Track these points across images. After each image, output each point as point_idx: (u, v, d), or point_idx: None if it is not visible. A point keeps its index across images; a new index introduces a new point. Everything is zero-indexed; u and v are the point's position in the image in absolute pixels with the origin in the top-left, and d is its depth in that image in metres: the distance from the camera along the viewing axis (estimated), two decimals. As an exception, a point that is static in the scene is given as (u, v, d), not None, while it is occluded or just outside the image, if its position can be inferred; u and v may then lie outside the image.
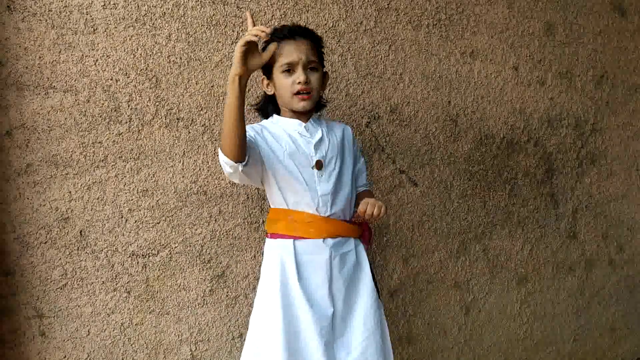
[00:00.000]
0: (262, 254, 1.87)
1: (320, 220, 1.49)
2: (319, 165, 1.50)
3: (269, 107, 1.61)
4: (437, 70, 2.10)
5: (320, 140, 1.53)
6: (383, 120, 2.02)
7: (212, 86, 1.80)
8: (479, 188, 2.20)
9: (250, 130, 1.48)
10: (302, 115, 1.55)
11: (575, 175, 2.39)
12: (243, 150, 1.36)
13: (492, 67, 2.19)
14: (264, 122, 1.59)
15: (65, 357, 1.71)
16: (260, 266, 1.59)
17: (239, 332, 1.87)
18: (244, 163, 1.38)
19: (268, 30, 1.32)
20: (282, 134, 1.52)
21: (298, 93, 1.47)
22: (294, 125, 1.54)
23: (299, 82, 1.46)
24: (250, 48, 1.34)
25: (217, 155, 1.80)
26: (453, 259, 2.17)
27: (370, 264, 1.60)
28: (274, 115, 1.59)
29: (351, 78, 1.97)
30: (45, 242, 1.67)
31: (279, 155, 1.49)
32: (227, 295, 1.85)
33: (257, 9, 1.84)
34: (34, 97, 1.64)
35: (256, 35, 1.31)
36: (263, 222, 1.87)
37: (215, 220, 1.82)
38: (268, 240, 1.56)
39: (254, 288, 1.87)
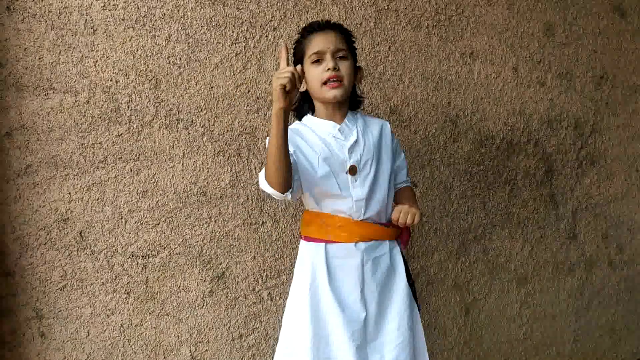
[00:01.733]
0: (263, 255, 1.88)
1: (352, 224, 1.47)
2: (352, 170, 1.46)
3: (304, 106, 1.56)
4: (437, 71, 2.10)
5: (355, 142, 1.48)
6: (383, 121, 2.02)
7: (211, 87, 1.80)
8: (479, 189, 2.20)
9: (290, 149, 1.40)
10: (337, 112, 1.50)
11: (575, 176, 2.39)
12: (289, 181, 1.36)
13: (491, 68, 2.19)
14: (297, 126, 1.53)
15: (64, 358, 1.71)
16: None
17: (238, 333, 1.87)
18: (290, 191, 1.38)
19: (299, 70, 1.29)
20: (315, 140, 1.48)
21: (327, 82, 1.43)
22: (329, 128, 1.49)
23: (328, 69, 1.42)
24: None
25: (217, 156, 1.80)
26: (453, 259, 2.17)
27: (406, 266, 1.57)
28: (308, 116, 1.54)
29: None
30: (45, 243, 1.67)
31: (314, 163, 1.45)
32: (226, 297, 1.85)
33: (257, 10, 1.84)
34: (33, 98, 1.64)
35: (292, 76, 1.27)
36: (263, 223, 1.87)
37: (215, 222, 1.82)
38: (302, 243, 1.55)
39: (254, 289, 1.87)
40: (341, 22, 1.93)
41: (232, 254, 1.84)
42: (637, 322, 2.60)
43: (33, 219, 1.66)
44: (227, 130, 1.82)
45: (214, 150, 1.81)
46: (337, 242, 1.47)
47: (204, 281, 1.82)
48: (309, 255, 1.49)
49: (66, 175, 1.68)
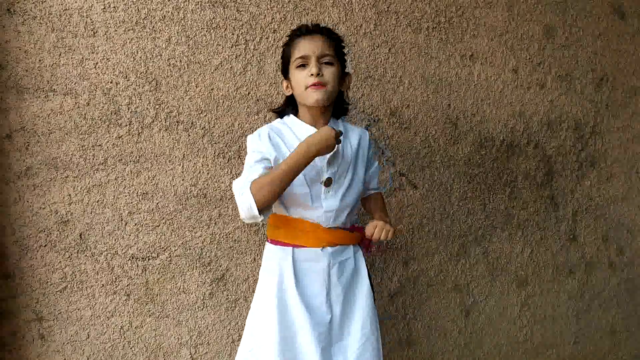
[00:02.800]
0: (262, 257, 1.87)
1: (321, 231, 1.48)
2: (328, 182, 1.47)
3: (287, 108, 1.56)
4: (437, 73, 2.10)
5: (335, 154, 1.47)
6: (383, 123, 2.02)
7: (212, 89, 1.80)
8: (479, 191, 2.20)
9: (263, 165, 1.42)
10: (320, 117, 1.50)
11: (575, 177, 2.38)
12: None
13: (491, 70, 2.19)
14: (278, 125, 1.52)
15: (64, 360, 1.71)
16: (260, 269, 1.59)
17: (238, 335, 1.86)
18: (267, 213, 1.39)
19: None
20: (294, 143, 1.46)
21: (310, 86, 1.43)
22: (305, 133, 1.47)
23: (312, 74, 1.43)
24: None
25: (217, 158, 1.80)
26: (453, 261, 2.17)
27: (367, 270, 1.59)
28: (290, 115, 1.54)
29: (351, 82, 1.97)
30: (45, 245, 1.67)
31: None
32: (226, 299, 1.84)
33: (257, 12, 1.84)
34: (34, 100, 1.64)
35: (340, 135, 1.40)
36: (263, 225, 1.87)
37: (215, 223, 1.82)
38: (268, 245, 1.55)
39: (254, 291, 1.86)
40: (340, 24, 1.94)
41: (232, 256, 1.84)
42: (637, 324, 2.60)
43: (33, 221, 1.66)
44: (227, 132, 1.82)
45: (214, 152, 1.81)
46: (305, 246, 1.48)
47: (204, 283, 1.82)
48: (277, 259, 1.50)
49: (66, 177, 1.68)
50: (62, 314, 1.70)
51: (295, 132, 1.50)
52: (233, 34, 1.82)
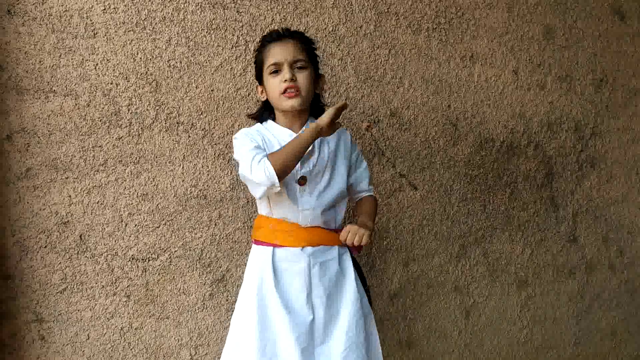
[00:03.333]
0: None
1: (300, 230, 1.49)
2: (302, 181, 1.49)
3: (264, 113, 1.60)
4: (437, 74, 2.10)
5: (310, 153, 1.49)
6: (383, 124, 2.02)
7: (212, 90, 1.80)
8: (479, 192, 2.20)
9: (258, 145, 1.46)
10: (296, 120, 1.53)
11: (575, 178, 2.38)
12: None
13: (491, 71, 2.19)
14: (259, 127, 1.57)
15: (64, 361, 1.71)
16: None
17: (238, 336, 1.86)
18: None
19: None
20: (274, 143, 1.51)
21: (285, 92, 1.46)
22: (285, 136, 1.51)
23: (285, 80, 1.45)
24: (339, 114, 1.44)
25: (217, 159, 1.80)
26: (453, 262, 2.17)
27: (358, 272, 1.59)
28: (268, 121, 1.57)
29: (351, 82, 1.97)
30: (45, 246, 1.67)
31: None
32: (227, 300, 1.84)
33: (257, 13, 1.84)
34: (34, 101, 1.64)
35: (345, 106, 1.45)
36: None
37: (215, 224, 1.82)
38: (252, 246, 1.57)
39: (254, 292, 1.87)
40: (340, 25, 1.94)
41: (232, 257, 1.84)
42: (638, 325, 2.59)
43: (33, 222, 1.66)
44: (228, 133, 1.82)
45: (214, 153, 1.81)
46: (284, 246, 1.49)
47: (204, 284, 1.82)
48: (258, 259, 1.52)
49: (66, 178, 1.68)
50: (62, 315, 1.70)
51: (276, 136, 1.53)
52: (233, 35, 1.82)
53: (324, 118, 1.41)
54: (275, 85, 1.48)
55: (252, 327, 1.45)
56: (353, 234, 1.44)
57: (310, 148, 1.47)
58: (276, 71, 1.48)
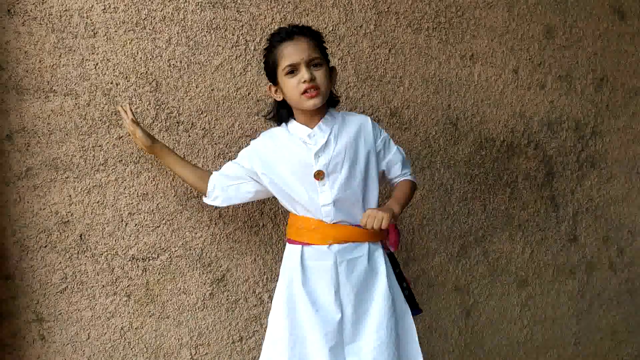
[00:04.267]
0: (263, 258, 1.88)
1: (325, 227, 1.49)
2: (318, 175, 1.48)
3: (282, 112, 1.57)
4: (437, 73, 2.10)
5: (325, 146, 1.49)
6: (383, 124, 2.01)
7: (212, 90, 1.80)
8: (479, 191, 2.20)
9: (236, 168, 1.58)
10: (315, 116, 1.52)
11: (575, 178, 2.38)
12: (202, 189, 1.61)
13: (492, 71, 2.19)
14: (275, 131, 1.59)
15: (65, 361, 1.71)
16: (277, 268, 1.62)
17: (239, 335, 1.86)
18: (206, 197, 1.62)
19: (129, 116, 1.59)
20: (286, 144, 1.52)
21: (305, 92, 1.44)
22: (301, 133, 1.52)
23: (304, 81, 1.43)
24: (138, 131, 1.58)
25: (217, 159, 1.80)
26: (453, 262, 2.17)
27: (395, 270, 1.57)
28: (291, 121, 1.56)
29: (351, 81, 1.97)
30: (45, 246, 1.67)
31: (282, 170, 1.50)
32: (227, 299, 1.84)
33: (257, 13, 1.84)
34: (34, 100, 1.64)
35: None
36: (263, 225, 1.87)
37: (216, 224, 1.82)
38: (286, 245, 1.59)
39: (254, 291, 1.87)
40: (341, 25, 1.94)
41: (233, 257, 1.84)
42: (638, 325, 2.59)
43: (33, 222, 1.66)
44: (228, 133, 1.82)
45: (215, 153, 1.81)
46: (311, 244, 1.49)
47: (205, 284, 1.82)
48: (289, 258, 1.54)
49: (67, 177, 1.68)
50: (63, 314, 1.70)
51: (294, 134, 1.53)
52: (233, 35, 1.82)
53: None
54: (293, 86, 1.45)
55: (281, 325, 1.46)
56: (372, 217, 1.39)
57: (324, 141, 1.49)
58: (292, 72, 1.45)
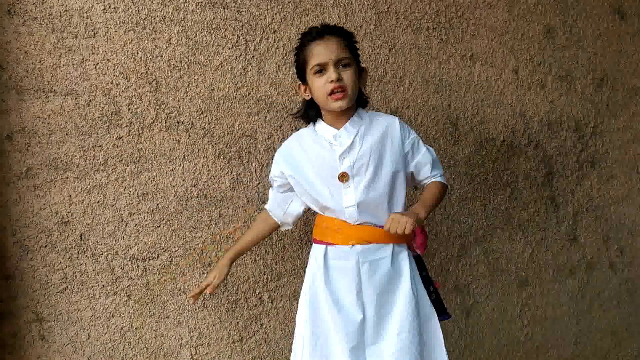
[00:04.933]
0: (264, 258, 1.88)
1: (348, 227, 1.49)
2: (343, 177, 1.48)
3: (311, 112, 1.57)
4: (437, 73, 2.10)
5: (350, 147, 1.48)
6: (383, 124, 2.01)
7: (212, 90, 1.80)
8: (480, 191, 2.20)
9: (277, 189, 1.64)
10: (341, 117, 1.51)
11: (575, 178, 2.38)
12: (273, 228, 1.70)
13: (492, 71, 2.19)
14: (303, 132, 1.60)
15: (65, 361, 1.71)
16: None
17: (239, 335, 1.86)
18: (281, 227, 1.69)
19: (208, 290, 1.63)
20: (311, 147, 1.53)
21: (332, 93, 1.44)
22: (327, 134, 1.52)
23: (331, 81, 1.43)
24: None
25: (217, 159, 1.80)
26: (453, 262, 2.17)
27: (422, 273, 1.55)
28: (319, 121, 1.56)
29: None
30: (46, 246, 1.67)
31: (308, 172, 1.52)
32: (227, 299, 1.84)
33: (258, 13, 1.84)
34: (34, 100, 1.64)
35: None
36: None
37: (216, 224, 1.82)
38: (312, 245, 1.60)
39: (255, 291, 1.87)
40: (341, 25, 1.94)
41: (233, 257, 1.84)
42: (638, 325, 2.59)
43: (33, 222, 1.66)
44: (228, 133, 1.82)
45: (215, 153, 1.81)
46: (334, 244, 1.50)
47: (205, 284, 1.82)
48: (313, 257, 1.56)
49: (67, 177, 1.68)
50: (63, 314, 1.70)
51: (321, 135, 1.54)
52: (233, 35, 1.82)
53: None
54: (320, 85, 1.45)
55: (304, 323, 1.48)
56: (396, 222, 1.39)
57: (349, 143, 1.50)
58: (321, 71, 1.45)
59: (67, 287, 1.70)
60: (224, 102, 1.81)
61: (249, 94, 1.84)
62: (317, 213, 1.59)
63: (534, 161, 2.29)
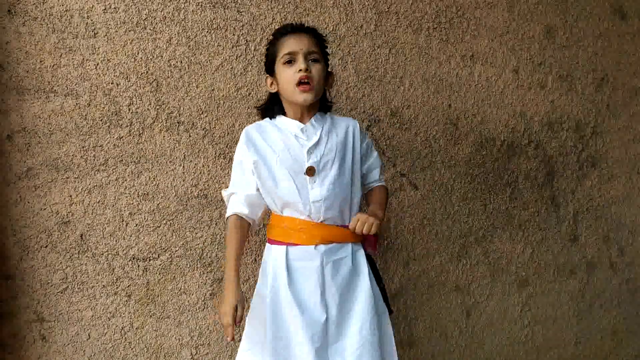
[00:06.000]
0: (263, 257, 1.87)
1: (312, 227, 1.49)
2: (310, 171, 1.48)
3: (274, 107, 1.58)
4: (438, 73, 2.10)
5: (317, 143, 1.50)
6: (383, 124, 2.02)
7: (212, 90, 1.80)
8: (480, 191, 2.19)
9: (245, 182, 1.53)
10: (305, 113, 1.53)
11: (576, 178, 2.38)
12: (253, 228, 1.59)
13: (492, 70, 2.19)
14: (263, 123, 1.58)
15: (65, 361, 1.71)
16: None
17: (239, 335, 1.86)
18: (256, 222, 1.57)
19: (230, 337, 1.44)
20: (277, 138, 1.52)
21: (300, 83, 1.46)
22: (292, 128, 1.52)
23: (300, 70, 1.45)
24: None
25: (218, 159, 1.80)
26: (454, 262, 2.17)
27: (374, 270, 1.58)
28: (280, 116, 1.57)
29: (351, 81, 1.97)
30: (46, 246, 1.67)
31: (272, 164, 1.50)
32: (227, 299, 1.84)
33: (258, 13, 1.84)
34: (34, 101, 1.64)
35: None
36: (264, 225, 1.87)
37: (216, 224, 1.82)
38: (267, 245, 1.57)
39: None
40: (341, 25, 1.94)
41: (233, 257, 1.84)
42: (638, 325, 2.59)
43: (34, 222, 1.66)
44: (228, 133, 1.82)
45: (215, 153, 1.81)
46: (298, 244, 1.49)
47: (205, 284, 1.82)
48: (271, 258, 1.51)
49: (67, 178, 1.68)
50: (63, 314, 1.70)
51: (284, 129, 1.54)
52: (234, 35, 1.82)
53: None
54: (289, 75, 1.47)
55: (265, 327, 1.45)
56: (362, 222, 1.43)
57: (317, 138, 1.51)
58: (290, 61, 1.47)
59: (68, 287, 1.70)
60: (224, 102, 1.81)
61: (250, 94, 1.84)
62: (271, 213, 1.57)
63: (535, 161, 2.29)
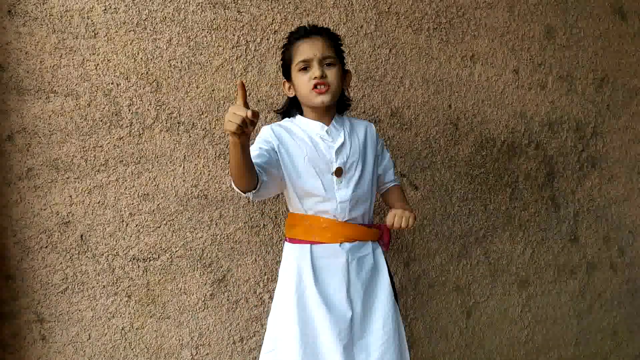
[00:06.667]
0: (264, 258, 1.87)
1: (337, 225, 1.50)
2: (338, 172, 1.50)
3: (292, 110, 1.60)
4: (438, 73, 2.10)
5: (342, 145, 1.52)
6: (384, 124, 2.02)
7: (212, 90, 1.80)
8: (480, 191, 2.19)
9: (264, 149, 1.44)
10: (325, 115, 1.54)
11: (576, 178, 2.38)
12: (252, 181, 1.35)
13: (492, 71, 2.19)
14: (287, 123, 1.57)
15: (65, 361, 1.71)
16: (278, 269, 1.60)
17: (239, 336, 1.86)
18: (254, 191, 1.39)
19: (250, 116, 1.23)
20: (303, 137, 1.52)
21: (315, 87, 1.47)
22: (316, 129, 1.53)
23: (315, 77, 1.46)
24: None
25: (218, 159, 1.80)
26: (454, 262, 2.17)
27: (388, 268, 1.60)
28: (297, 116, 1.58)
29: (351, 82, 1.97)
30: (46, 247, 1.67)
31: (299, 161, 1.49)
32: (227, 300, 1.84)
33: (258, 13, 1.84)
34: (35, 101, 1.64)
35: (242, 122, 1.25)
36: (264, 226, 1.87)
37: (216, 224, 1.82)
38: (287, 245, 1.57)
39: (255, 292, 1.87)
40: (341, 25, 1.94)
41: (233, 257, 1.84)
42: (638, 325, 2.59)
43: (34, 222, 1.66)
44: (228, 133, 1.82)
45: (215, 153, 1.81)
46: (322, 242, 1.50)
47: (205, 284, 1.82)
48: (295, 257, 1.52)
49: (67, 178, 1.68)
50: (63, 315, 1.70)
51: (306, 130, 1.54)
52: (234, 35, 1.82)
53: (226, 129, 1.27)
54: (304, 81, 1.48)
55: (292, 325, 1.46)
56: (400, 217, 1.44)
57: (342, 140, 1.52)
58: (305, 68, 1.48)
59: (68, 287, 1.70)
60: (224, 103, 1.81)
61: (250, 94, 1.84)
62: (289, 212, 1.58)
63: (535, 161, 2.29)
